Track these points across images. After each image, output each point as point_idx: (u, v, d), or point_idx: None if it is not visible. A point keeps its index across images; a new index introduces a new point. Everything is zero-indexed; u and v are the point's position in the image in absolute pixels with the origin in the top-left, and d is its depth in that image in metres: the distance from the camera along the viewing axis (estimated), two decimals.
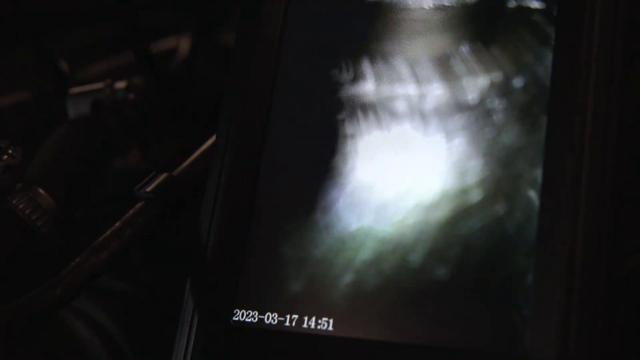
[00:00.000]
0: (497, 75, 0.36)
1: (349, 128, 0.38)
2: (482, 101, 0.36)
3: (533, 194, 0.34)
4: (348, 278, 0.36)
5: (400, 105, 0.38)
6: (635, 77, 0.36)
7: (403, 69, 0.38)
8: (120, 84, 0.49)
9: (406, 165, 0.37)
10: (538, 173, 0.34)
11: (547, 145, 0.35)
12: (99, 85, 0.49)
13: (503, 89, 0.36)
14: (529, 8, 0.36)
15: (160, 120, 0.53)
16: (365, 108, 0.38)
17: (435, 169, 0.36)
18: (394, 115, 0.38)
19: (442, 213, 0.36)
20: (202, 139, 0.44)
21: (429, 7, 0.38)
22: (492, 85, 0.36)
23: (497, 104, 0.36)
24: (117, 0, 0.57)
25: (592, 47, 0.35)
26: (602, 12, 0.35)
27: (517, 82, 0.36)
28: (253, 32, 0.41)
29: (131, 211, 0.40)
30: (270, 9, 0.41)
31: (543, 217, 0.34)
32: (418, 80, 0.37)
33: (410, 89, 0.38)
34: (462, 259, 0.35)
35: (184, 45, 0.60)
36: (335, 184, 0.38)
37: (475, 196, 0.35)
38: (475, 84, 0.36)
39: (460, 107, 0.37)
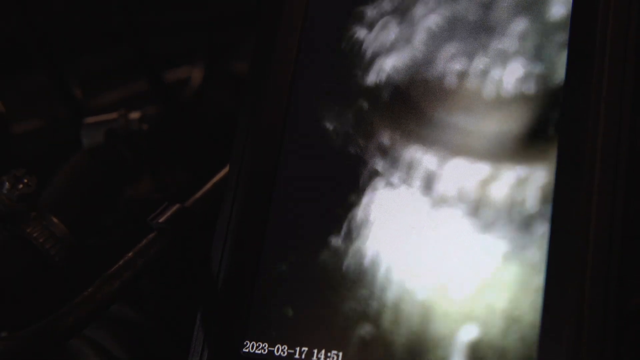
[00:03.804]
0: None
1: (362, 161, 0.39)
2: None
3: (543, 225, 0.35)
4: (358, 313, 0.37)
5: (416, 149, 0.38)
6: None
7: (417, 104, 0.38)
8: (135, 115, 0.50)
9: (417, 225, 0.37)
10: (548, 209, 0.35)
11: (557, 181, 0.35)
12: (113, 115, 0.50)
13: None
14: None
15: (173, 149, 0.53)
16: (378, 139, 0.39)
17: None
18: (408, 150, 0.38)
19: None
20: (214, 168, 0.45)
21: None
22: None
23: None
24: (128, 27, 0.57)
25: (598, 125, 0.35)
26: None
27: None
28: (266, 62, 0.41)
29: (143, 241, 0.40)
30: (284, 38, 0.41)
31: (552, 257, 0.34)
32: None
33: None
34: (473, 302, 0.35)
35: (196, 74, 0.60)
36: (347, 219, 0.38)
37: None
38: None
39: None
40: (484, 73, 0.37)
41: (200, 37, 0.64)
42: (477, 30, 0.38)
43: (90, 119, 0.50)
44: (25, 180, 0.40)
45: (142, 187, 0.51)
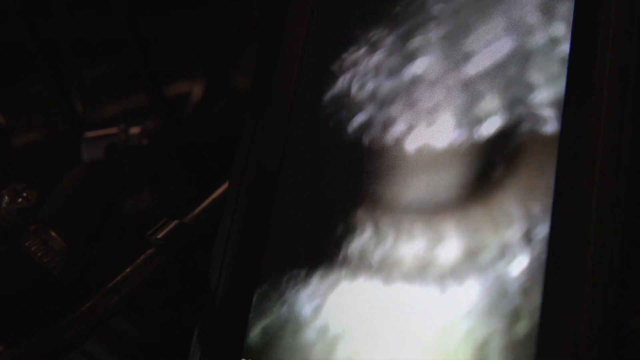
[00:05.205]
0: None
1: (365, 175, 0.39)
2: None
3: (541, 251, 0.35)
4: (352, 332, 0.37)
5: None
6: None
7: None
8: (135, 130, 0.50)
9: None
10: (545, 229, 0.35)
11: (555, 197, 0.35)
12: (113, 130, 0.50)
13: None
14: None
15: (173, 163, 0.53)
16: (380, 152, 0.39)
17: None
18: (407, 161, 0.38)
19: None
20: (215, 183, 0.45)
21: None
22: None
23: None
24: (132, 39, 0.58)
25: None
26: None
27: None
28: (269, 78, 0.41)
29: (142, 257, 0.40)
30: (287, 54, 0.41)
31: (549, 278, 0.34)
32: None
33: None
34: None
35: (197, 89, 0.60)
36: (348, 238, 0.38)
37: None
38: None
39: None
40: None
41: (201, 52, 0.64)
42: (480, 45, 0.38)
43: (91, 134, 0.50)
44: (25, 194, 0.41)
45: (142, 202, 0.51)
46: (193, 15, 0.64)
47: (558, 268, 0.34)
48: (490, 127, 0.37)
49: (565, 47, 0.36)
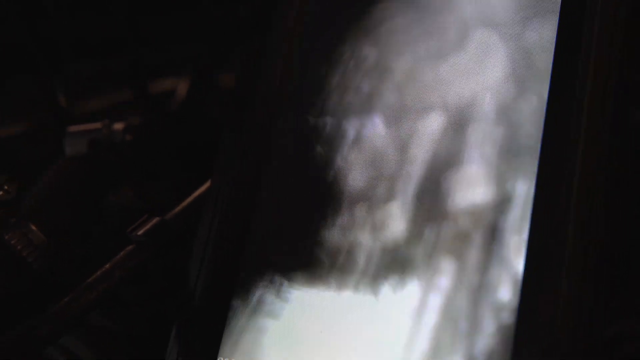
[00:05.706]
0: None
1: (345, 178, 0.39)
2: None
3: (517, 259, 0.35)
4: (329, 333, 0.37)
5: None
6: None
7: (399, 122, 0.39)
8: (118, 125, 0.50)
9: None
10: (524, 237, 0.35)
11: (534, 211, 0.35)
12: (97, 125, 0.50)
13: None
14: None
15: (157, 160, 0.53)
16: (361, 158, 0.39)
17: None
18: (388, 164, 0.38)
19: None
20: (198, 180, 0.45)
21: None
22: None
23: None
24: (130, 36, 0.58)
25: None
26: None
27: None
28: (254, 79, 0.41)
29: (122, 253, 0.40)
30: (273, 54, 0.41)
31: (525, 286, 0.34)
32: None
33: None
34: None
35: (182, 86, 0.60)
36: (326, 241, 0.38)
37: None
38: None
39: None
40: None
41: (187, 49, 0.64)
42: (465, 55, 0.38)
43: (74, 128, 0.50)
44: (5, 187, 0.41)
45: (124, 197, 0.51)
46: (192, 15, 0.64)
47: (534, 274, 0.34)
48: None
49: None
